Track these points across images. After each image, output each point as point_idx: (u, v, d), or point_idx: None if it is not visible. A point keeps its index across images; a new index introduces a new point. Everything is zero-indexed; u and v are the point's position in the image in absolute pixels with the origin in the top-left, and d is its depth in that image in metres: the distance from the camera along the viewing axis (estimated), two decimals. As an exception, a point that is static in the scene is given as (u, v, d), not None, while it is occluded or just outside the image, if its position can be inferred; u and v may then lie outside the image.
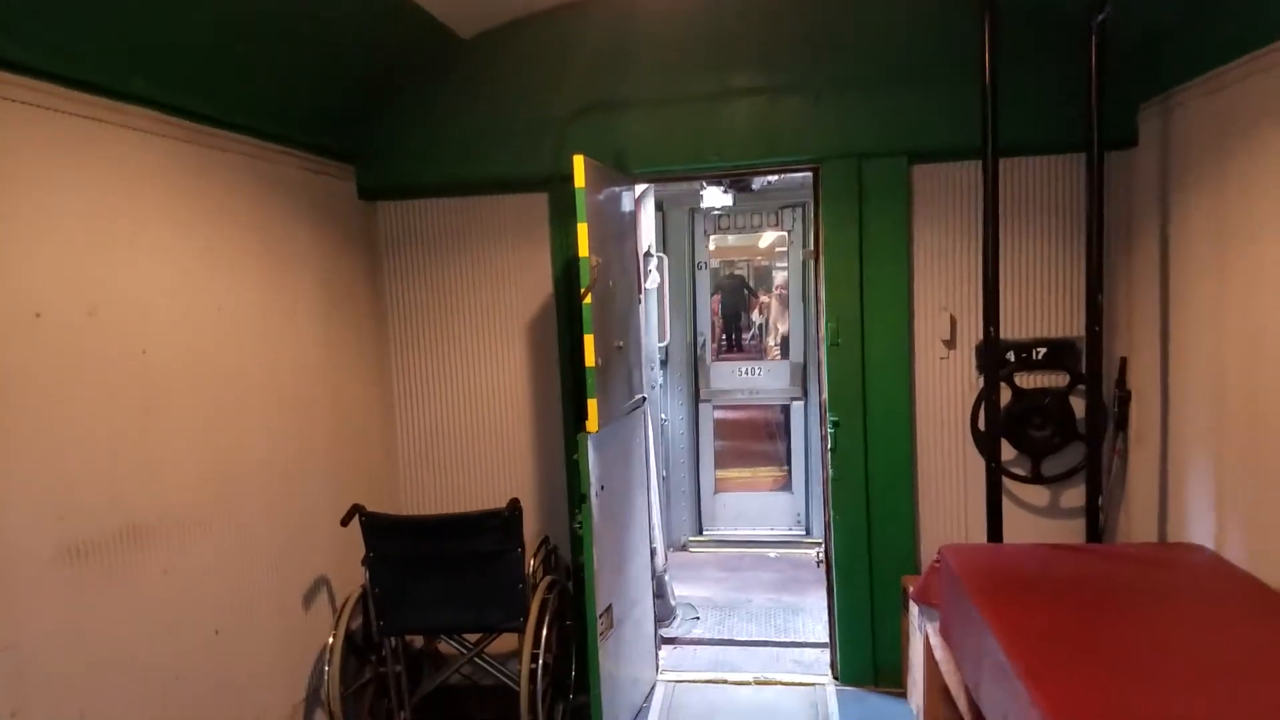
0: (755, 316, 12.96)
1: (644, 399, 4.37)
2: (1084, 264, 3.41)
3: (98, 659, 2.56)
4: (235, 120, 3.23)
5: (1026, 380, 3.81)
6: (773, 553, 6.26)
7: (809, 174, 4.11)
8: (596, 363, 3.41)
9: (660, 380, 6.04)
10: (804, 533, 6.53)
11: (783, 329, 8.32)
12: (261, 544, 3.35)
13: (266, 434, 3.42)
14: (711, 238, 6.86)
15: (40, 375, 2.41)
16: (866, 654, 4.05)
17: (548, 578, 3.82)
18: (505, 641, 3.73)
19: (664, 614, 4.96)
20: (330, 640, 3.51)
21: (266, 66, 3.32)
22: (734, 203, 6.17)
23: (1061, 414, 3.74)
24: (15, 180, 2.36)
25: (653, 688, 4.23)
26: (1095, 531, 3.42)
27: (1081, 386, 3.64)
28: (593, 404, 3.40)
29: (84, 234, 2.58)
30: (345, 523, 3.52)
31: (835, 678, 4.17)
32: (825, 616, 4.26)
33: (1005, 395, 3.71)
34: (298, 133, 3.65)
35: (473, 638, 3.75)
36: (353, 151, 4.12)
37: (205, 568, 3.03)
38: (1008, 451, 3.75)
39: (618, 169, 3.97)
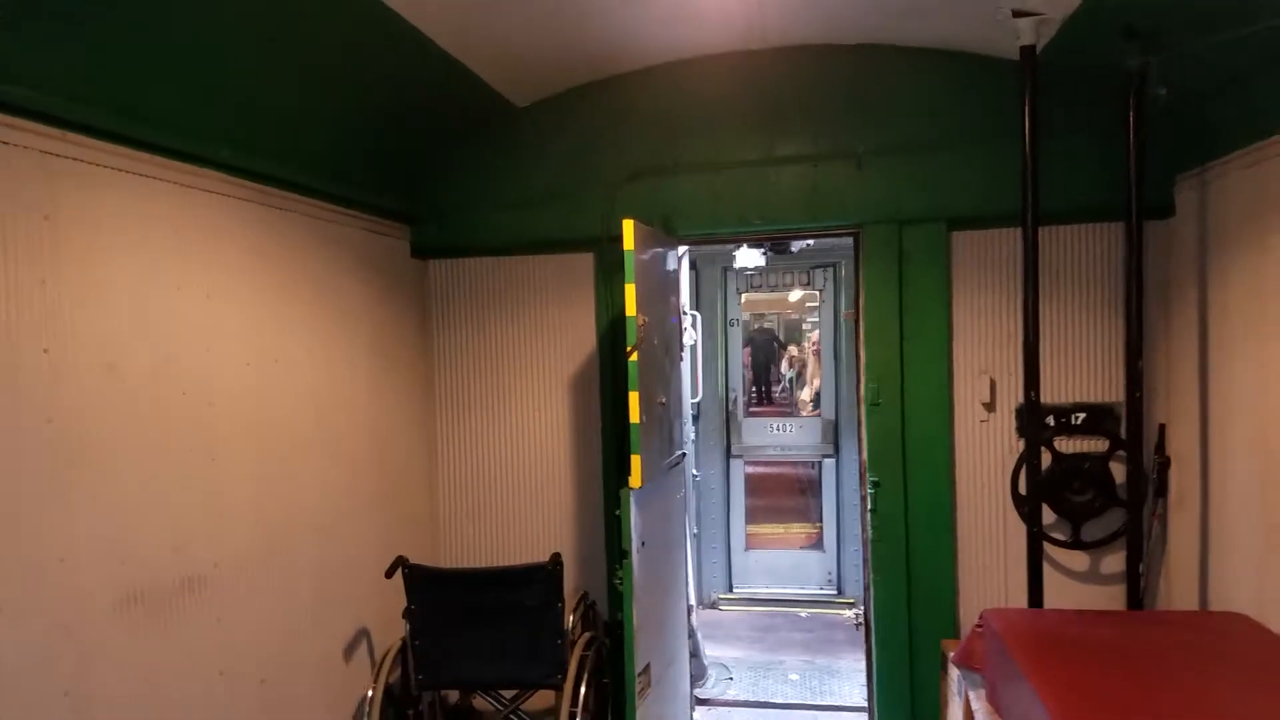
0: (785, 370, 13.00)
1: (684, 454, 4.42)
2: (1122, 331, 3.45)
3: (155, 707, 2.60)
4: (300, 181, 3.37)
5: (1066, 445, 3.82)
6: (804, 612, 6.21)
7: (844, 237, 4.21)
8: (640, 419, 3.48)
9: (692, 435, 6.08)
10: (836, 592, 6.49)
11: (817, 384, 8.39)
12: (307, 594, 3.40)
13: (317, 485, 3.49)
14: (743, 294, 6.97)
15: (112, 425, 2.49)
16: (905, 718, 4.00)
17: (586, 634, 3.83)
18: (540, 699, 3.74)
19: (697, 673, 4.92)
20: (369, 693, 3.51)
21: (330, 132, 3.49)
22: (767, 262, 6.28)
23: (1101, 479, 3.75)
24: (94, 238, 2.45)
25: (688, 748, 4.20)
26: (1136, 598, 3.41)
27: (1121, 451, 3.66)
28: (636, 459, 3.46)
29: (157, 289, 2.68)
30: (390, 574, 3.57)
31: (873, 743, 4.11)
32: (860, 679, 4.23)
33: (1045, 459, 3.71)
34: (357, 194, 3.80)
35: (509, 693, 3.75)
36: (408, 212, 4.28)
37: (254, 616, 3.08)
38: (1047, 516, 3.73)
39: (664, 230, 4.09)
